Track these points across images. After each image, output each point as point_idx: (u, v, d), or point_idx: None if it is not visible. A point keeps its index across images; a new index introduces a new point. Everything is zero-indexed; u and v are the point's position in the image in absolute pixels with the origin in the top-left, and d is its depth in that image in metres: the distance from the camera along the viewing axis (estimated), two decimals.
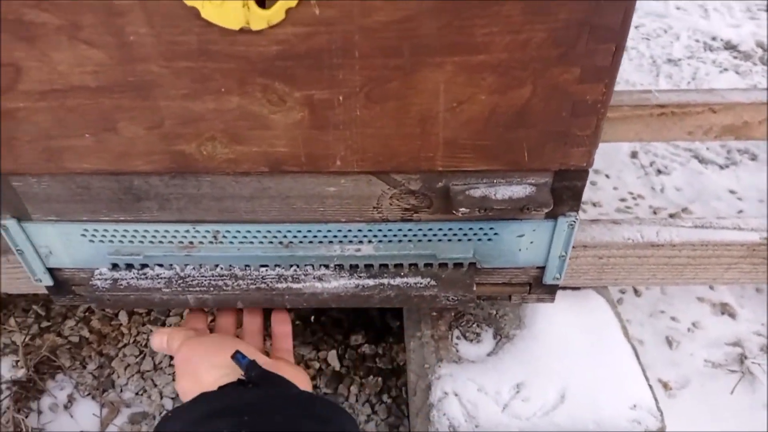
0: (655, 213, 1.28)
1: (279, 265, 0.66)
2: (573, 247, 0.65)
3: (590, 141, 0.55)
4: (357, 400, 0.94)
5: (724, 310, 1.08)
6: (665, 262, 0.75)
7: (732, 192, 1.34)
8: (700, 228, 0.74)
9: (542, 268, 0.68)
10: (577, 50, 0.49)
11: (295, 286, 0.65)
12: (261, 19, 0.47)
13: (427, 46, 0.49)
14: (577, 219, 0.62)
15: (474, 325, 0.78)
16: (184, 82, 0.51)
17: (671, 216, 1.26)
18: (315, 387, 0.95)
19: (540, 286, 0.71)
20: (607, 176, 1.39)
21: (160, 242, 0.64)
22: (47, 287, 0.69)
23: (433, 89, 0.51)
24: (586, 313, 0.79)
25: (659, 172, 1.40)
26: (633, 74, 1.74)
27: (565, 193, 0.60)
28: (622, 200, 1.32)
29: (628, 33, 0.49)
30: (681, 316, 1.07)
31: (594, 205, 1.30)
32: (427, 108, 0.53)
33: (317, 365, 0.98)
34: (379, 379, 0.96)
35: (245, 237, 0.63)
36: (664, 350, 1.02)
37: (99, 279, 0.65)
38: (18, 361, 0.97)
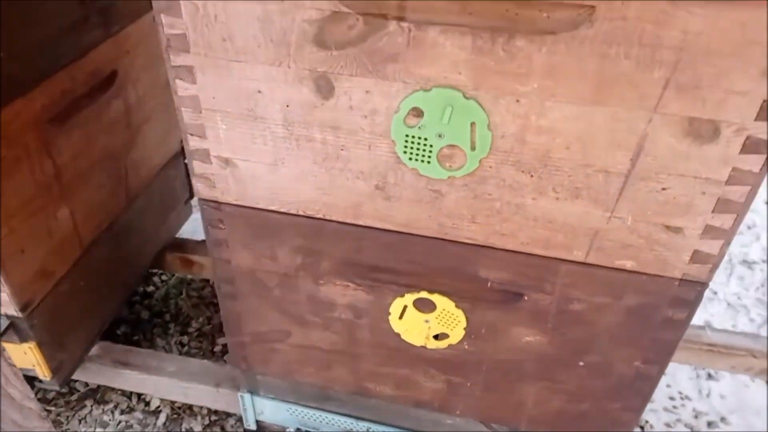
0: (696, 417, 1.52)
1: None
2: None
3: None
4: None
5: None
6: None
7: None
8: None
9: None
10: None
11: None
12: (433, 344, 0.81)
13: (528, 373, 0.81)
14: None
15: None
16: (380, 359, 0.86)
17: (709, 424, 1.49)
18: None
19: None
20: (664, 373, 1.63)
21: (332, 426, 0.99)
22: (250, 430, 1.06)
23: (533, 400, 0.83)
24: None
25: (710, 376, 1.62)
26: None
27: None
28: (671, 399, 1.56)
29: None
30: None
31: None
32: (530, 397, 0.85)
33: None
34: None
35: None
36: None
37: None
38: None
